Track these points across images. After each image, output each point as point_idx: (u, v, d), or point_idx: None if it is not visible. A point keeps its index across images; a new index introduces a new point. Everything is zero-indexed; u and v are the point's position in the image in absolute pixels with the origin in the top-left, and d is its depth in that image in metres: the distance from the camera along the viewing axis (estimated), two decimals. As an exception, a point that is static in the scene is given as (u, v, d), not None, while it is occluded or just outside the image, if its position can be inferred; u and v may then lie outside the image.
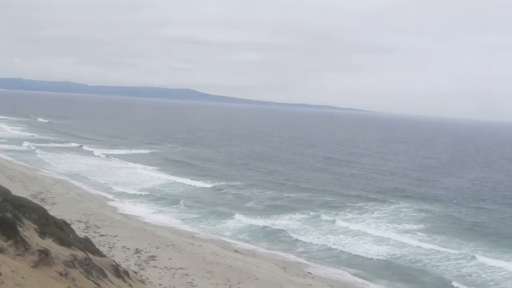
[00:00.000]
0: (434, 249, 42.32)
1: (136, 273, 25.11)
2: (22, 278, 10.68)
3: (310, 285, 32.87)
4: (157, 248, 36.46)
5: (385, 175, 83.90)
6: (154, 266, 32.37)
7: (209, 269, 33.05)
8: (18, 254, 12.16)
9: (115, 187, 61.25)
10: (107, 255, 24.00)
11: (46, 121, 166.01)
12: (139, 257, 33.92)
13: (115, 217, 45.22)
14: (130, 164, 79.30)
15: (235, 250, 39.46)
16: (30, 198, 29.33)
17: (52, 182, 59.68)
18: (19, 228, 13.33)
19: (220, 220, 48.95)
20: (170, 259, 34.14)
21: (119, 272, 17.13)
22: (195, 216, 50.29)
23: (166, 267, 32.39)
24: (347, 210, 54.91)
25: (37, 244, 13.08)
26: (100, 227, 40.36)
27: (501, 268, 39.03)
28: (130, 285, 17.16)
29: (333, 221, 49.44)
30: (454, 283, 35.22)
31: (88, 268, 14.47)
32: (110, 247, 35.04)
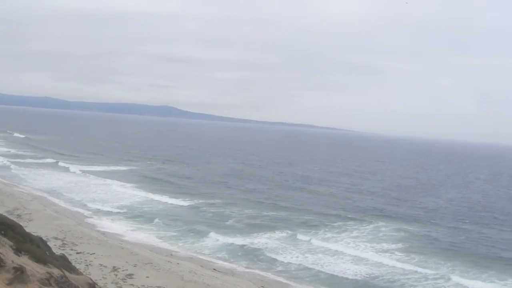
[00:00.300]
0: (412, 269, 42.42)
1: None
2: (-3, 296, 10.48)
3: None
4: (134, 266, 36.10)
5: (363, 194, 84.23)
6: (132, 285, 32.02)
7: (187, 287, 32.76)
8: (-8, 272, 11.94)
9: (93, 204, 60.67)
10: (83, 273, 23.69)
11: (23, 136, 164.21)
12: (116, 275, 33.52)
13: (92, 235, 44.73)
14: (108, 181, 78.66)
15: (214, 269, 39.19)
16: (6, 214, 28.90)
17: (29, 198, 58.94)
18: (-5, 245, 13.11)
19: (199, 238, 48.65)
20: (147, 277, 33.80)
21: (96, 291, 16.89)
22: (174, 234, 49.94)
23: (143, 286, 32.06)
24: (326, 229, 54.93)
25: (12, 261, 12.86)
26: (77, 245, 39.88)
27: (478, 288, 39.25)
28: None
29: (312, 240, 49.40)
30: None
31: (64, 286, 14.27)
32: (87, 265, 34.59)
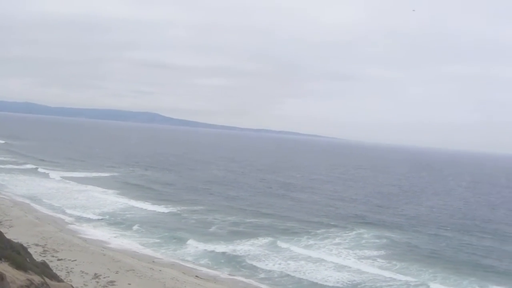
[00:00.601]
0: (393, 276, 42.62)
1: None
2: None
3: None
4: (116, 273, 35.90)
5: (346, 201, 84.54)
6: (113, 292, 31.82)
7: (169, 295, 32.65)
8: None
9: (74, 211, 60.26)
10: (64, 280, 23.56)
11: (3, 142, 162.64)
12: (97, 282, 33.32)
13: (73, 241, 44.44)
14: (90, 187, 78.25)
15: (196, 276, 39.09)
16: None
17: (10, 204, 58.43)
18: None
19: (181, 245, 48.52)
20: (129, 284, 33.64)
21: (77, 298, 16.82)
22: (156, 241, 49.76)
23: (125, 293, 31.88)
24: (308, 237, 55.03)
25: (-7, 268, 12.77)
26: (58, 251, 39.58)
27: (459, 295, 39.55)
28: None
29: (294, 247, 49.48)
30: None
31: (45, 293, 14.19)
32: (68, 272, 34.34)
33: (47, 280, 15.96)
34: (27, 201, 63.28)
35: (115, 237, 49.93)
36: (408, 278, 42.31)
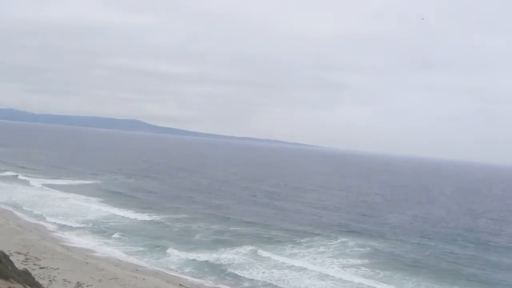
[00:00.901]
0: (377, 285, 42.72)
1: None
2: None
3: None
4: (99, 281, 35.60)
5: (330, 210, 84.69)
6: (96, 301, 31.54)
7: (153, 303, 32.43)
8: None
9: (57, 219, 59.76)
10: (47, 289, 23.30)
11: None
12: (80, 291, 32.99)
13: (56, 249, 44.03)
14: (72, 195, 77.67)
15: (180, 284, 38.88)
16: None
17: (-9, 212, 57.79)
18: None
19: (165, 254, 48.27)
20: (112, 293, 33.34)
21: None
22: (139, 249, 49.47)
23: (108, 302, 31.61)
24: (293, 245, 55.02)
25: (-25, 277, 12.61)
26: (40, 259, 39.17)
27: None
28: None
29: (278, 256, 49.45)
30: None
31: (28, 302, 14.03)
32: (50, 280, 33.98)
33: (30, 288, 15.77)
34: (10, 209, 62.69)
35: (98, 245, 49.57)
36: (392, 287, 42.44)
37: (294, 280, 42.52)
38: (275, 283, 41.55)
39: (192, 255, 47.87)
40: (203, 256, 47.87)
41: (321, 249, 54.34)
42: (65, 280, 34.57)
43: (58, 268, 37.32)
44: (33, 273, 28.56)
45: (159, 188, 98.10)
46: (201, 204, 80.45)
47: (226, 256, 48.60)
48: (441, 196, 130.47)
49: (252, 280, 42.13)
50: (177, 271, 43.43)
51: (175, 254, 48.13)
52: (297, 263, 47.69)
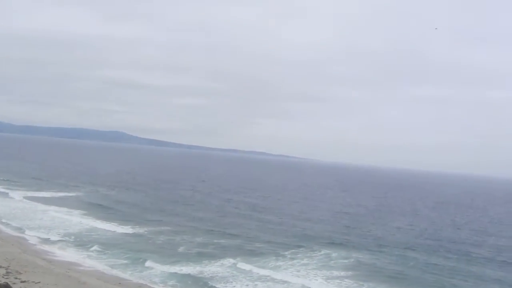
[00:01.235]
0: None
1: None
2: None
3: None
4: (81, 295, 35.25)
5: (313, 222, 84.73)
6: (78, 315, 31.23)
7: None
8: None
9: (38, 232, 59.23)
10: (28, 303, 23.05)
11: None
12: (62, 305, 32.65)
13: (38, 263, 43.58)
14: (54, 208, 77.10)
15: (163, 298, 38.62)
16: None
17: (-29, 225, 57.08)
18: None
19: (148, 267, 47.97)
20: (94, 307, 33.04)
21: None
22: (122, 262, 49.14)
23: (90, 316, 31.31)
24: (276, 257, 54.93)
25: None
26: (21, 273, 38.70)
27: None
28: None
29: (262, 269, 49.31)
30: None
31: (9, 317, 13.87)
32: (31, 295, 33.58)
33: (11, 303, 15.59)
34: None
35: (80, 258, 49.17)
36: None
37: (278, 293, 42.40)
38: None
39: (176, 268, 47.64)
40: (186, 269, 47.65)
41: (305, 261, 54.31)
42: (46, 294, 34.19)
43: (40, 282, 36.91)
44: (14, 287, 28.24)
45: (142, 200, 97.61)
46: (184, 217, 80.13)
47: (209, 269, 48.42)
48: (424, 208, 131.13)
49: (236, 293, 41.96)
50: (160, 284, 43.19)
51: (158, 267, 47.85)
52: (280, 275, 47.60)
